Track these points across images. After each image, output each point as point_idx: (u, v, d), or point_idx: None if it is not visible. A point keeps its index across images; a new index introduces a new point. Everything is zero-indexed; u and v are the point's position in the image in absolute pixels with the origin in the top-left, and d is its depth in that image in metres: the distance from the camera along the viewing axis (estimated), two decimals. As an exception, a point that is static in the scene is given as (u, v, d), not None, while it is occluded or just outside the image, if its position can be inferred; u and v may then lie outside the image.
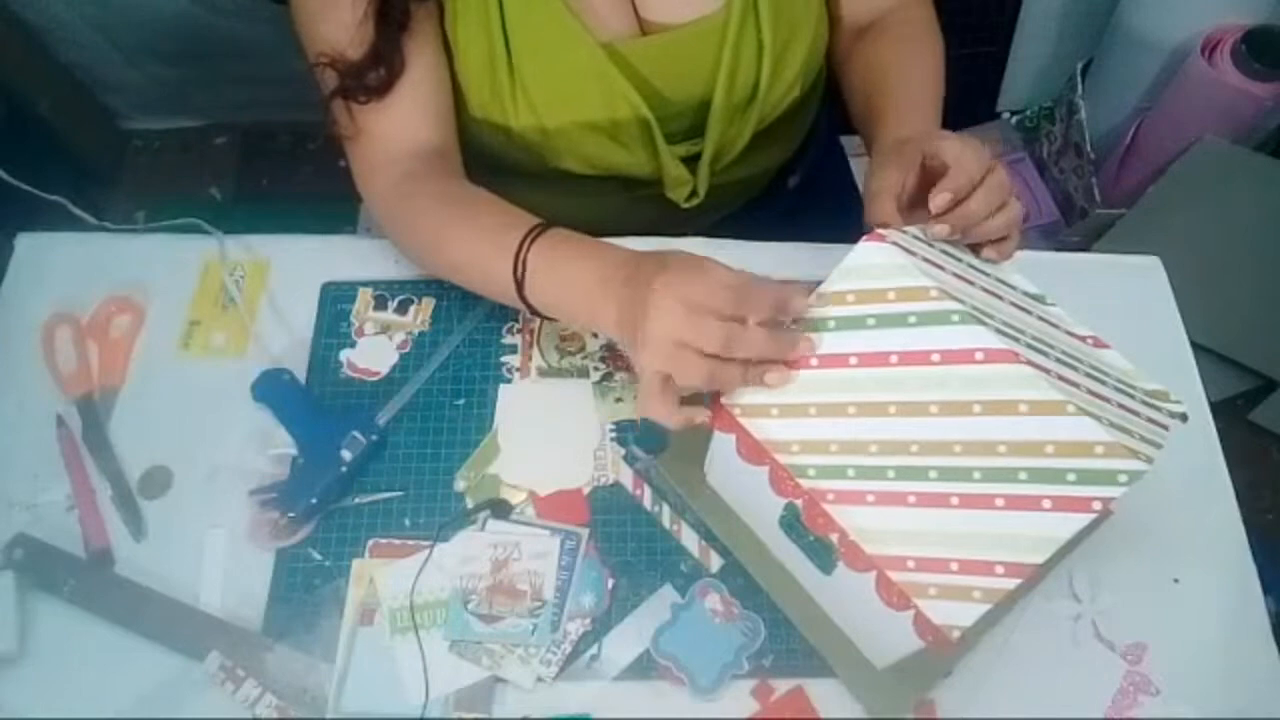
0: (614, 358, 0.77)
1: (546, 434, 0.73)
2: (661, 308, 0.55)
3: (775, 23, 0.74)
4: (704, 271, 0.56)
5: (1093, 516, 0.48)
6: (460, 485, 0.71)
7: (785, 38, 0.76)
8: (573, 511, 0.70)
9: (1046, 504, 0.49)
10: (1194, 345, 0.79)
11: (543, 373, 0.76)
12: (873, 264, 0.54)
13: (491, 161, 0.80)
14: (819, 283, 0.57)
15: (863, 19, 0.84)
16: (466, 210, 0.70)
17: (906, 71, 0.78)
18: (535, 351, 0.77)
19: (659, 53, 0.75)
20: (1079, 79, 1.60)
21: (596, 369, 0.76)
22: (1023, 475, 0.49)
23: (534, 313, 0.66)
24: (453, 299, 0.79)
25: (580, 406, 0.75)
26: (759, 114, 0.79)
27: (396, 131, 0.72)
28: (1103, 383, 0.53)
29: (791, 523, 0.60)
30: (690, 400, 0.59)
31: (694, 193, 0.82)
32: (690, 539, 0.70)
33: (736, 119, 0.79)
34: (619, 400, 0.75)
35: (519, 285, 0.64)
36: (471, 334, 0.77)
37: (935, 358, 0.52)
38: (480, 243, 0.67)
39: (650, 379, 0.57)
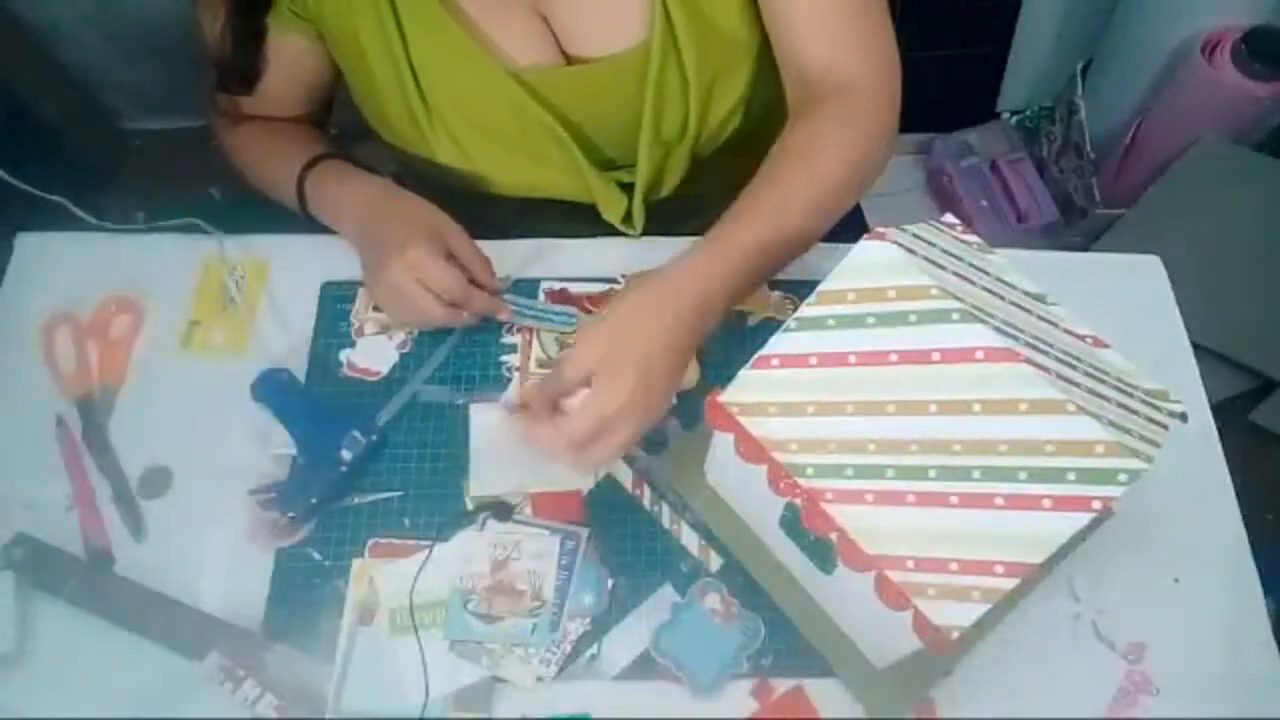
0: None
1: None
2: (395, 283, 0.70)
3: (699, 60, 0.73)
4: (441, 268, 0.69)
5: (1092, 516, 0.48)
6: (473, 490, 0.71)
7: (712, 75, 0.75)
8: (568, 509, 0.70)
9: (1046, 503, 0.49)
10: (1194, 345, 0.79)
11: (541, 364, 0.76)
12: (873, 262, 0.54)
13: (430, 186, 0.80)
14: (819, 282, 0.57)
15: (801, 75, 0.72)
16: (279, 140, 0.82)
17: (757, 194, 0.67)
18: (535, 343, 0.77)
19: (578, 84, 0.75)
20: (1079, 79, 1.60)
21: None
22: (1022, 474, 0.49)
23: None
24: (453, 299, 0.79)
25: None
26: (692, 148, 0.78)
27: (259, 109, 0.82)
28: (1103, 382, 0.53)
29: (792, 523, 0.60)
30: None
31: (629, 215, 0.81)
32: (690, 539, 0.70)
33: (670, 153, 0.79)
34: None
35: (303, 206, 0.79)
36: (471, 334, 0.77)
37: (935, 356, 0.52)
38: (280, 170, 0.80)
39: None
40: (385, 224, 0.73)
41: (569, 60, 0.76)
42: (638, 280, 0.66)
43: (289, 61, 0.77)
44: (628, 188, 0.81)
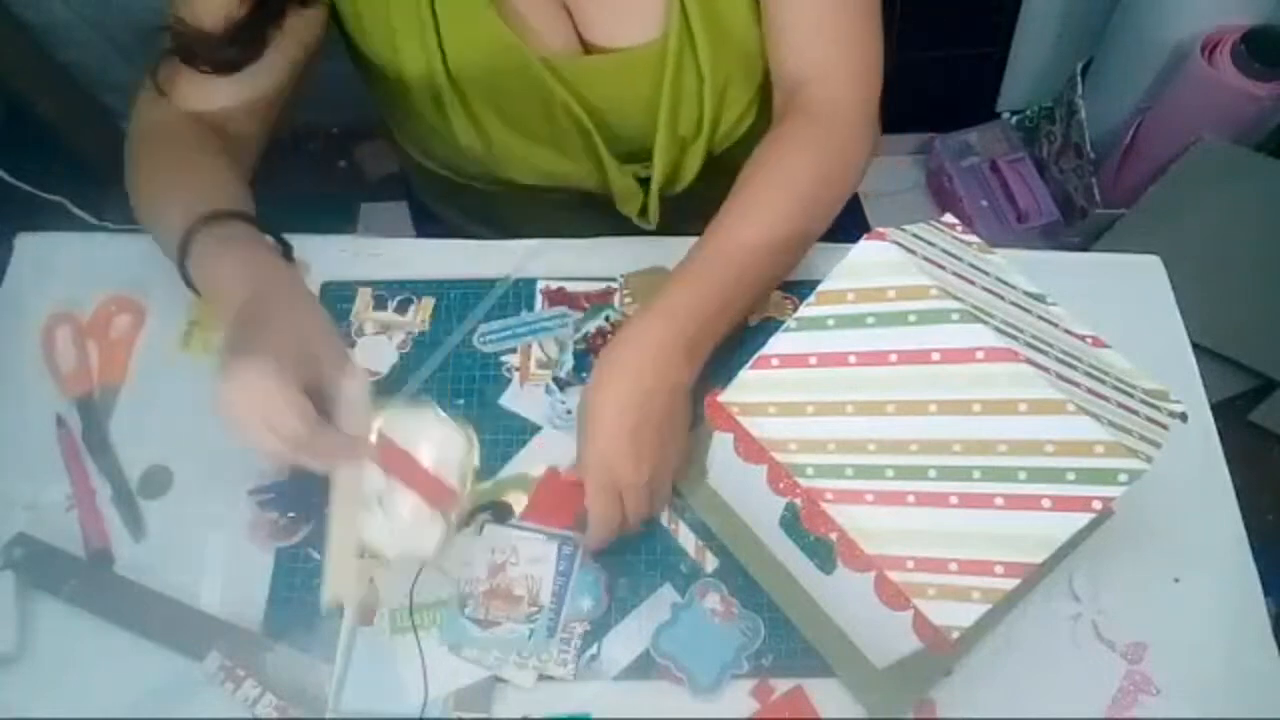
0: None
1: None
2: (230, 404, 0.54)
3: (714, 58, 0.73)
4: (268, 408, 0.54)
5: (1092, 516, 0.48)
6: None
7: (726, 72, 0.75)
8: (570, 502, 0.69)
9: (1046, 503, 0.49)
10: (1194, 345, 0.79)
11: (541, 365, 0.76)
12: (873, 262, 0.54)
13: (447, 176, 0.80)
14: (819, 282, 0.57)
15: (787, 81, 0.74)
16: (194, 163, 0.68)
17: (735, 218, 0.69)
18: (535, 345, 0.77)
19: (598, 74, 0.75)
20: (1079, 79, 1.60)
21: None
22: (1022, 474, 0.49)
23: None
24: (453, 299, 0.79)
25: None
26: (707, 145, 0.79)
27: (205, 102, 0.71)
28: (1102, 382, 0.53)
29: (792, 523, 0.60)
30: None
31: (645, 209, 0.81)
32: (689, 539, 0.70)
33: (686, 149, 0.79)
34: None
35: (182, 259, 0.63)
36: (471, 334, 0.77)
37: (935, 356, 0.52)
38: (175, 206, 0.65)
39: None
40: (259, 311, 0.58)
41: (588, 50, 0.76)
42: (599, 373, 0.64)
43: (271, 59, 0.70)
44: (644, 182, 0.81)
